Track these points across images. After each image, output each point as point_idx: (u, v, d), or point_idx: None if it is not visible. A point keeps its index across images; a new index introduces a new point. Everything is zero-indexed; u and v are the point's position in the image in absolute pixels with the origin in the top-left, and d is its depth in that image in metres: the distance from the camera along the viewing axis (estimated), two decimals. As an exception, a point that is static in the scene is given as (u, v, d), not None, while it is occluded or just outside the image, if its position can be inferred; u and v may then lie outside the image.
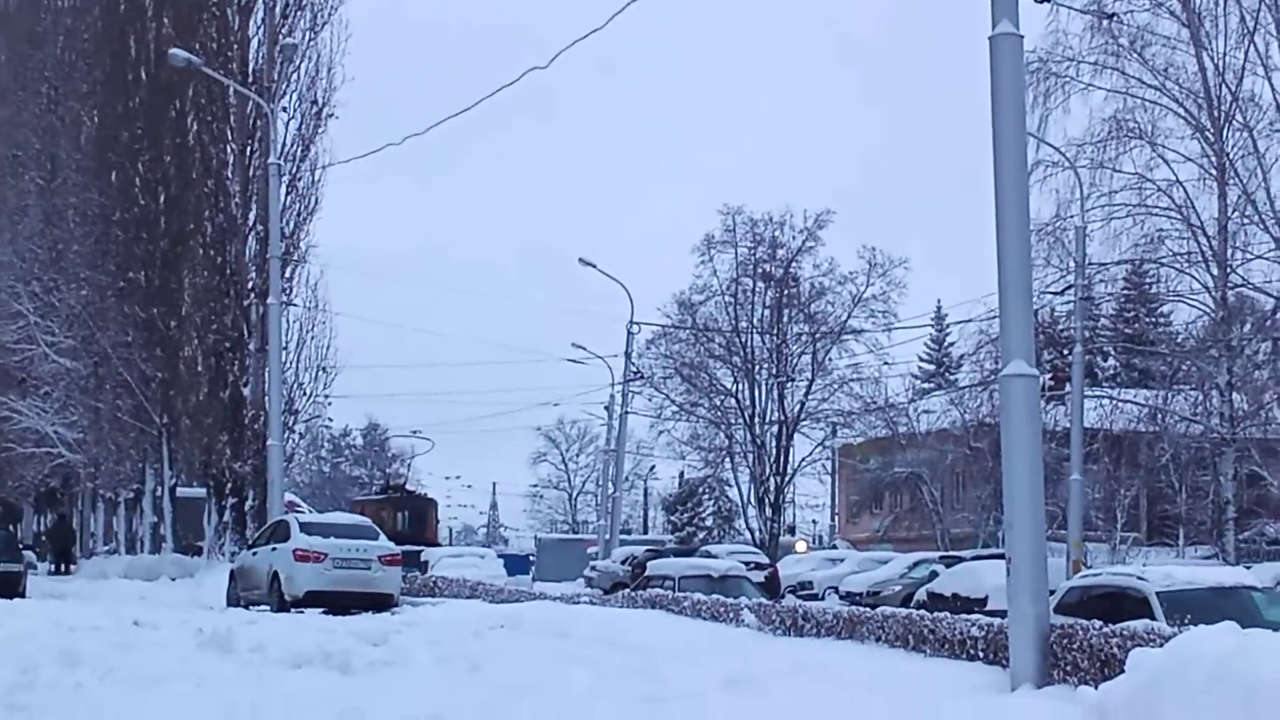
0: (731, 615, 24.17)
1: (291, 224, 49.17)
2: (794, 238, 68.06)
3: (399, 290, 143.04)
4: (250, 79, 50.15)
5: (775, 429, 67.81)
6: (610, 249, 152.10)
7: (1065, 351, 50.86)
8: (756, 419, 67.48)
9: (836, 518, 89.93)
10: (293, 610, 28.99)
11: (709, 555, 44.33)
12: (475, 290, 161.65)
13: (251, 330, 49.74)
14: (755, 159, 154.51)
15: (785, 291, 68.06)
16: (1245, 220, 44.41)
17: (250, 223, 50.84)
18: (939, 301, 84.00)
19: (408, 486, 76.44)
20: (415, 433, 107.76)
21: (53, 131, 55.85)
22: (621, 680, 17.16)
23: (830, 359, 68.11)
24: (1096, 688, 14.37)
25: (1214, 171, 44.45)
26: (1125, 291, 55.66)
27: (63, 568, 54.57)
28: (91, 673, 16.46)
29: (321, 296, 51.16)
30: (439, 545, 65.91)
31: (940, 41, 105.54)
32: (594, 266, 63.74)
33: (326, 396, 52.14)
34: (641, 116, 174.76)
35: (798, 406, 67.73)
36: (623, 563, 53.22)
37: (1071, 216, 45.11)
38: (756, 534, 67.88)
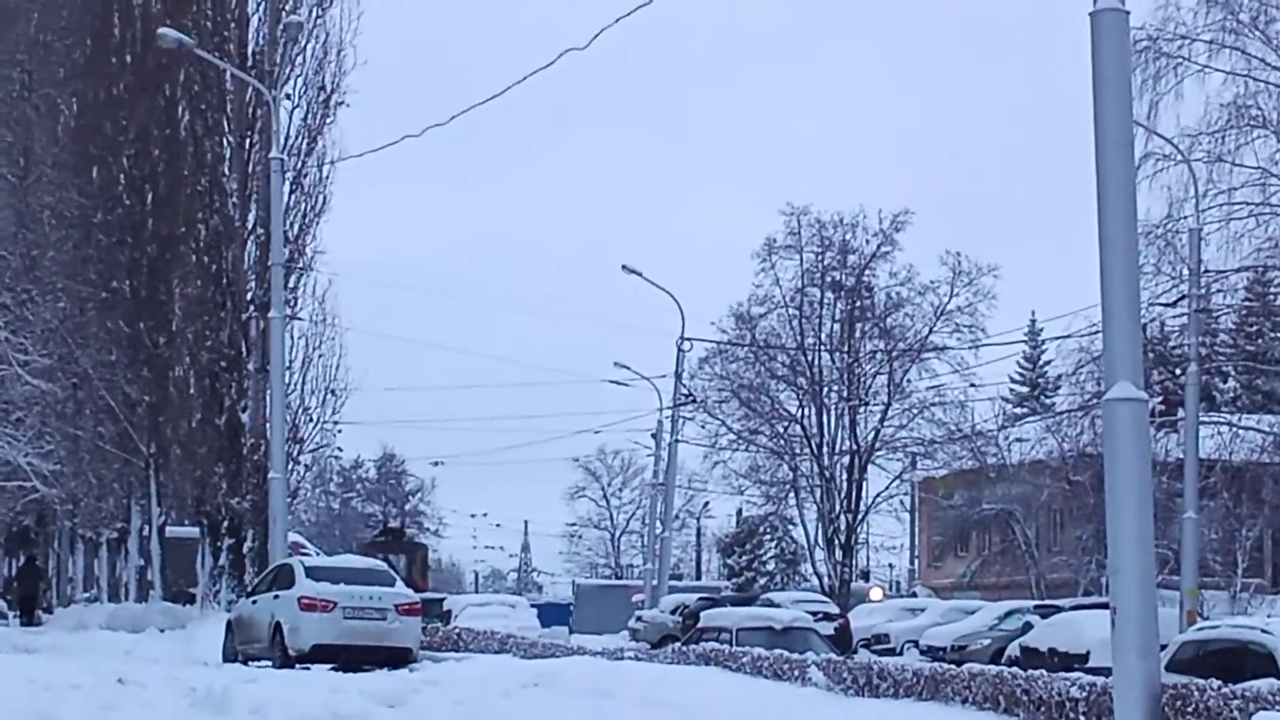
0: (797, 673, 24.19)
1: (296, 227, 49.22)
2: (867, 242, 68.13)
3: (419, 304, 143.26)
4: (249, 62, 50.27)
5: (846, 460, 67.74)
6: (658, 256, 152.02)
7: (1178, 372, 50.64)
8: (825, 448, 67.41)
9: (916, 561, 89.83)
10: (298, 666, 29.12)
11: (771, 604, 44.53)
12: (505, 304, 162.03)
13: (251, 348, 49.86)
14: (822, 157, 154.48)
15: (857, 303, 68.04)
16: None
17: (249, 225, 50.91)
18: (1033, 314, 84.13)
19: (406, 529, 77.80)
20: (437, 463, 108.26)
21: (25, 122, 56.05)
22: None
23: (909, 380, 68.13)
24: (1215, 757, 14.37)
25: (1350, 165, 44.24)
26: (1247, 303, 55.50)
27: (29, 617, 54.48)
28: (70, 737, 16.59)
29: (330, 309, 51.29)
30: (427, 592, 66.36)
31: (1034, 20, 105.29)
32: (639, 275, 63.88)
33: (336, 423, 52.32)
34: (694, 111, 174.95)
35: (872, 434, 67.67)
36: (672, 613, 53.34)
37: (1185, 217, 44.87)
38: (825, 580, 67.83)
